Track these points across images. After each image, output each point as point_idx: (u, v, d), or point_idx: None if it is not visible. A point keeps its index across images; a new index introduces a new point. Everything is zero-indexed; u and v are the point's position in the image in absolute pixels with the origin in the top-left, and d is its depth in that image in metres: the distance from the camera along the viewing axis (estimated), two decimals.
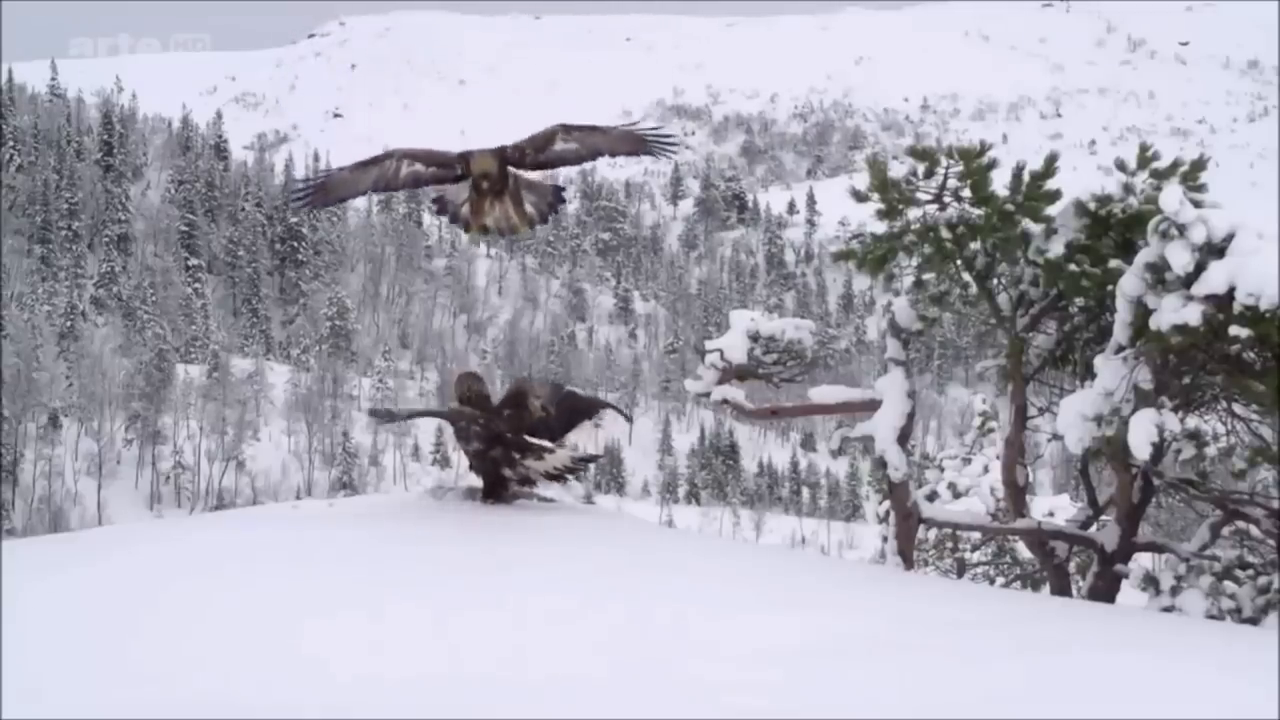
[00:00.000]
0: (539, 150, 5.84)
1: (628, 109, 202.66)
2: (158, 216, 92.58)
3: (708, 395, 9.02)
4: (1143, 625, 5.36)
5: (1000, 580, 13.08)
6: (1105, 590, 7.90)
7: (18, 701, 3.04)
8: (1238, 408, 7.26)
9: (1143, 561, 9.30)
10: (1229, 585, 7.18)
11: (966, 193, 7.95)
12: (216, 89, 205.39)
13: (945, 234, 7.93)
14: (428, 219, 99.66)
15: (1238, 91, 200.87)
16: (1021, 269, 8.04)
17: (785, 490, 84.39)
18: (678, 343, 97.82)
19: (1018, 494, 8.54)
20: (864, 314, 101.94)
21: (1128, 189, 7.56)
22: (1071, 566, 9.07)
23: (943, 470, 15.32)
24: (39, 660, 3.36)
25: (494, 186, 5.77)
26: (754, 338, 8.91)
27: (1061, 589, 8.44)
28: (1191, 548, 7.85)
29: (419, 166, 5.86)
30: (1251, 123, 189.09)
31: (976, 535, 13.31)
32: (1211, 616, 7.01)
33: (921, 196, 8.07)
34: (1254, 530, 7.73)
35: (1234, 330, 6.09)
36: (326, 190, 6.03)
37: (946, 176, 7.94)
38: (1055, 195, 7.88)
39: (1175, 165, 7.74)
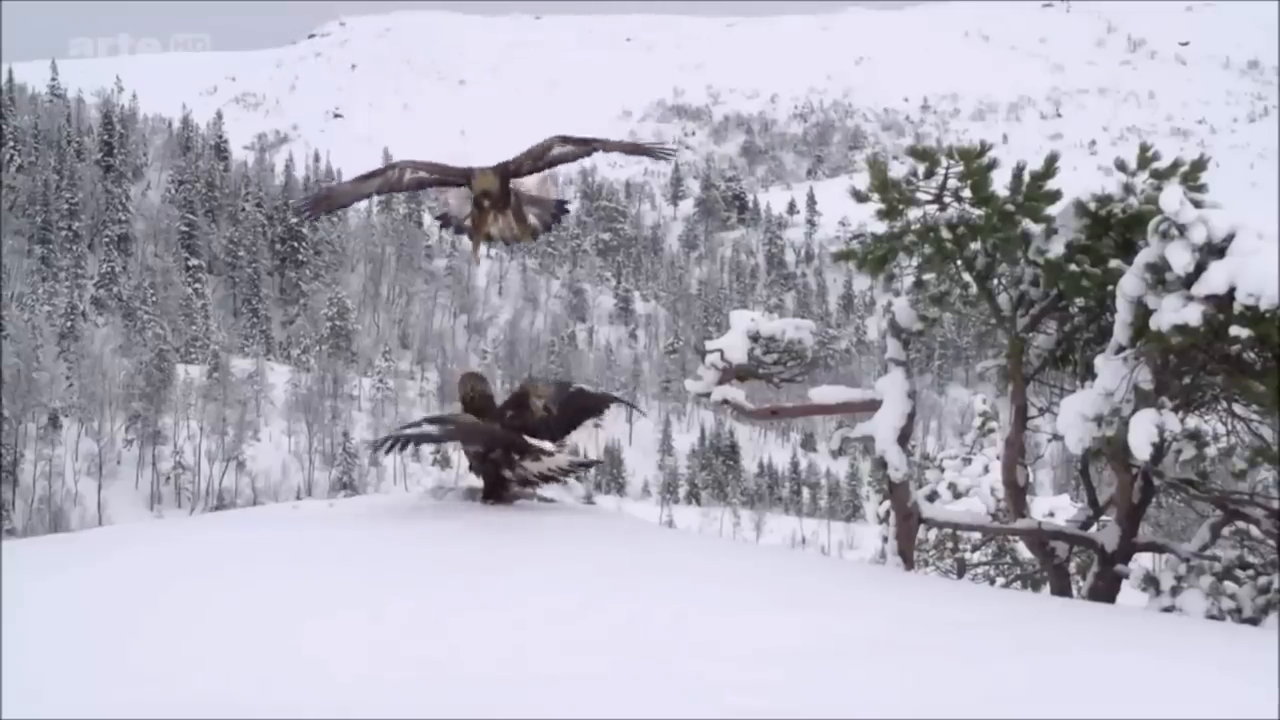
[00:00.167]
0: (537, 161, 5.91)
1: (628, 109, 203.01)
2: (158, 217, 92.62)
3: (708, 395, 9.02)
4: (1143, 625, 5.36)
5: (1000, 580, 13.08)
6: (1105, 590, 7.90)
7: (18, 701, 3.04)
8: (1238, 408, 7.25)
9: (1143, 562, 9.30)
10: (1229, 585, 7.18)
11: (967, 193, 7.95)
12: (216, 89, 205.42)
13: (945, 234, 7.93)
14: (428, 219, 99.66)
15: (1238, 91, 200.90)
16: (1022, 269, 8.03)
17: (785, 490, 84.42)
18: (678, 343, 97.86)
19: (1018, 494, 8.54)
20: (864, 314, 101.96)
21: (1128, 189, 7.56)
22: (1072, 567, 9.07)
23: (943, 470, 15.32)
24: (39, 660, 3.36)
25: (495, 204, 5.81)
26: (754, 338, 8.91)
27: (1062, 589, 8.44)
28: (1192, 548, 7.85)
29: (423, 174, 5.97)
30: (1252, 123, 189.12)
31: (977, 535, 13.31)
32: (1212, 616, 7.01)
33: (922, 197, 8.07)
34: (1254, 530, 7.72)
35: (1234, 330, 6.09)
36: (329, 200, 6.18)
37: (947, 177, 7.94)
38: (1055, 195, 7.87)
39: (1175, 165, 7.74)
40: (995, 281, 8.22)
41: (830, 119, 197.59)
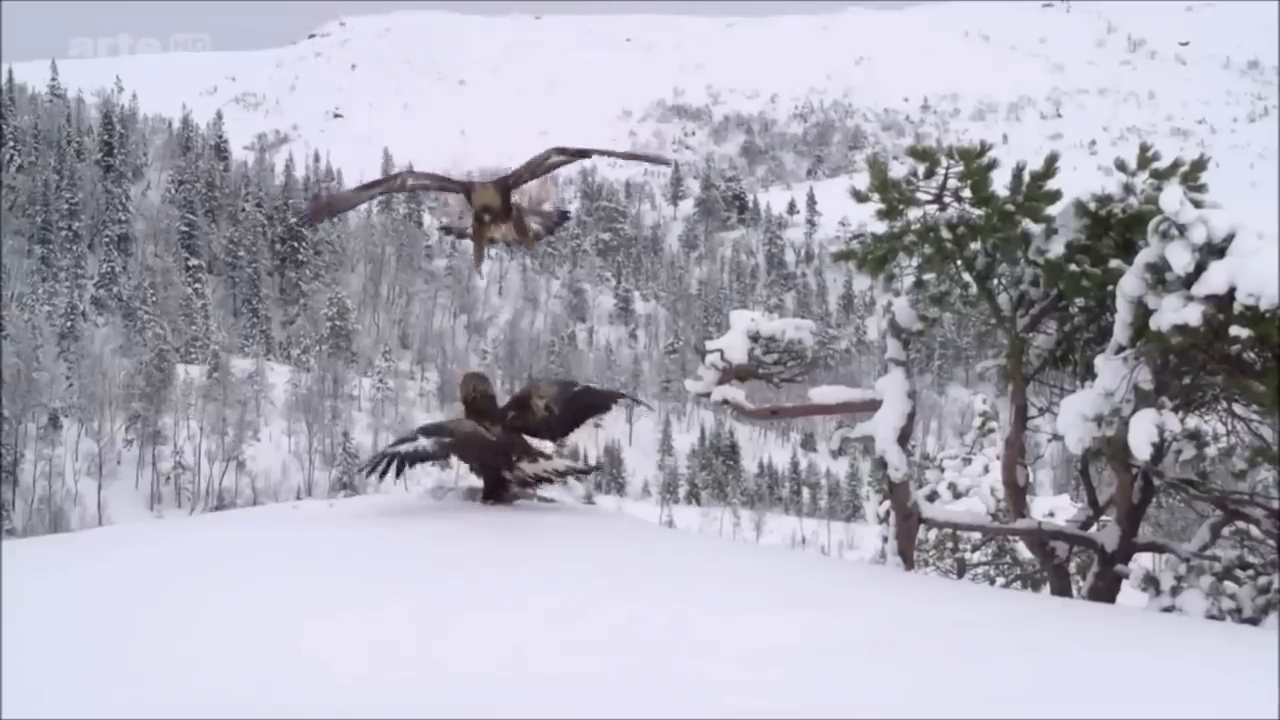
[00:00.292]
0: (534, 172, 5.99)
1: (628, 109, 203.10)
2: (158, 217, 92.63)
3: (708, 395, 9.03)
4: (1143, 625, 5.36)
5: (1000, 580, 13.08)
6: (1105, 590, 7.90)
7: (18, 701, 3.04)
8: (1238, 408, 7.25)
9: (1143, 562, 9.30)
10: (1229, 585, 7.18)
11: (967, 193, 7.95)
12: (217, 89, 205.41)
13: (945, 234, 7.93)
14: (428, 219, 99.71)
15: (1238, 91, 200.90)
16: (1022, 269, 8.03)
17: (785, 490, 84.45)
18: (678, 343, 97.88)
19: (1018, 494, 8.54)
20: (864, 314, 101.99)
21: (1128, 189, 7.56)
22: (1072, 567, 9.07)
23: (943, 470, 15.32)
24: (39, 660, 3.36)
25: (496, 218, 5.88)
26: (754, 338, 8.91)
27: (1062, 589, 8.44)
28: (1192, 548, 7.85)
29: (425, 182, 6.10)
30: (1252, 123, 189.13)
31: (977, 535, 13.31)
32: (1212, 616, 7.01)
33: (922, 197, 8.07)
34: (1254, 530, 7.73)
35: (1234, 330, 6.09)
36: (330, 206, 6.27)
37: (947, 177, 7.94)
38: (1055, 195, 7.87)
39: (1175, 165, 7.74)
40: (995, 281, 8.22)
41: (830, 119, 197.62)
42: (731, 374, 8.96)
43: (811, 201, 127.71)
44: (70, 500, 63.32)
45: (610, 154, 6.37)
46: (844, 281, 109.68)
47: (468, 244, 6.26)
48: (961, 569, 14.10)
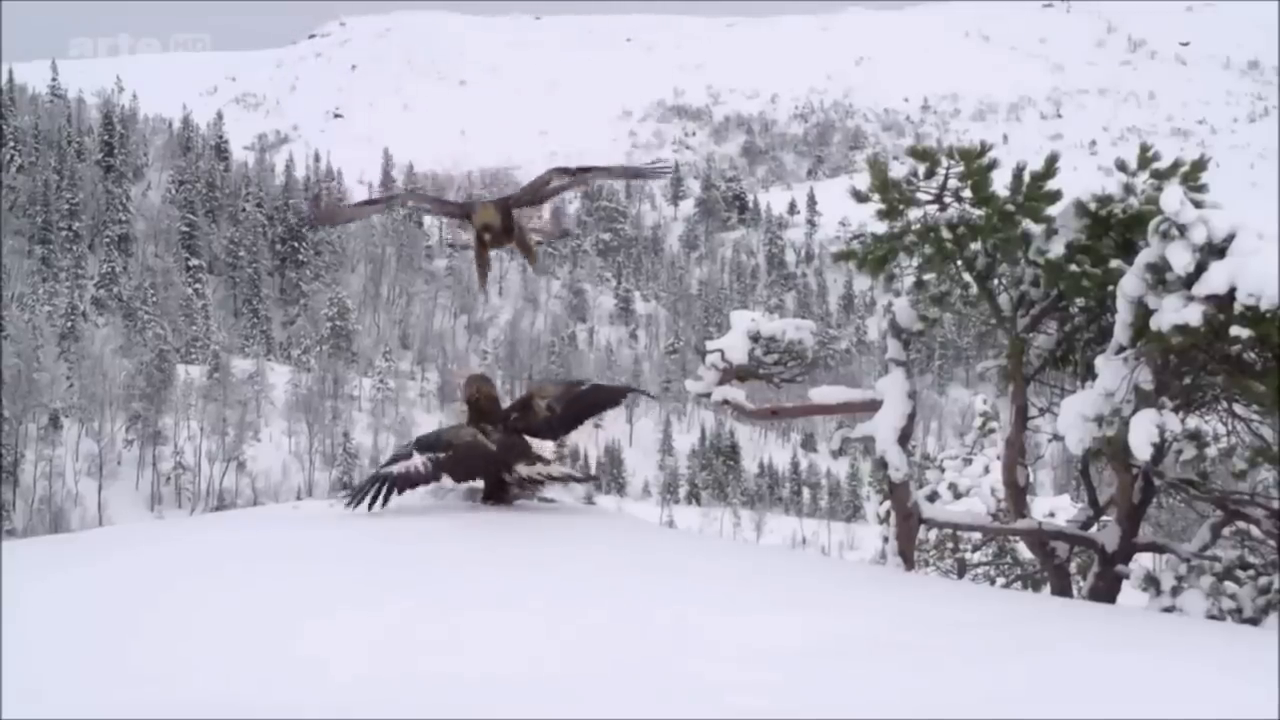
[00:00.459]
0: (535, 194, 5.96)
1: (628, 109, 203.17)
2: (158, 217, 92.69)
3: (708, 396, 9.02)
4: (1143, 625, 5.36)
5: (1001, 581, 13.09)
6: (1106, 590, 7.90)
7: (18, 701, 3.04)
8: (1238, 408, 7.25)
9: (1143, 562, 9.30)
10: (1230, 586, 7.18)
11: (967, 193, 7.94)
12: (217, 89, 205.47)
13: (946, 234, 7.93)
14: (429, 219, 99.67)
15: (1238, 92, 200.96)
16: (1022, 269, 8.03)
17: (786, 491, 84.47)
18: (678, 343, 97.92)
19: (1018, 494, 8.54)
20: (864, 314, 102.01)
21: (1128, 189, 7.56)
22: (1072, 567, 9.07)
23: (943, 471, 15.32)
24: (39, 660, 3.36)
25: (497, 238, 5.86)
26: (754, 338, 8.91)
27: (1062, 589, 8.44)
28: (1192, 548, 7.85)
29: (425, 205, 6.08)
30: (1252, 123, 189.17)
31: (977, 536, 13.31)
32: (1212, 617, 7.01)
33: (922, 197, 8.07)
34: (1255, 531, 7.72)
35: (1234, 330, 6.09)
36: (331, 217, 6.35)
37: (947, 177, 7.94)
38: (1056, 196, 7.87)
39: (1176, 165, 7.73)
40: (995, 282, 8.22)
41: (830, 119, 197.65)
42: (732, 374, 8.96)
43: (812, 202, 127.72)
44: (70, 500, 63.36)
45: (609, 171, 6.25)
46: (844, 282, 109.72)
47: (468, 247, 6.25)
48: (962, 569, 14.10)
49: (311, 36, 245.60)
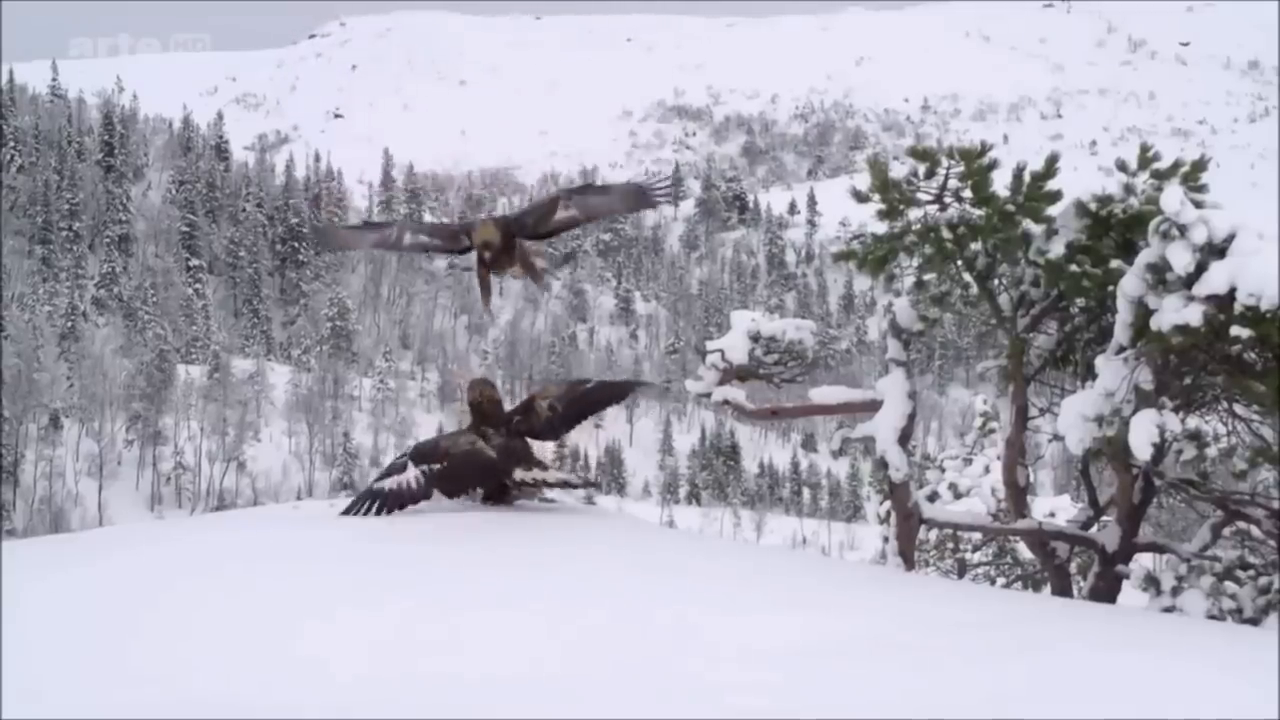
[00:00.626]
0: (540, 219, 5.84)
1: (628, 109, 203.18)
2: (159, 217, 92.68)
3: (709, 396, 9.03)
4: (1143, 625, 5.36)
5: (1001, 581, 13.09)
6: (1106, 591, 7.90)
7: (18, 701, 3.04)
8: (1239, 408, 7.25)
9: (1144, 562, 9.30)
10: (1230, 586, 7.18)
11: (967, 193, 7.94)
12: (217, 89, 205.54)
13: (946, 234, 7.93)
14: (428, 218, 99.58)
15: (1238, 92, 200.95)
16: (1022, 269, 8.03)
17: (786, 491, 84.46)
18: (679, 343, 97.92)
19: (1018, 494, 8.54)
20: (865, 314, 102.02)
21: (1128, 189, 7.56)
22: (1073, 567, 9.08)
23: (944, 471, 15.32)
24: (39, 660, 3.36)
25: (497, 258, 5.77)
26: (755, 338, 8.91)
27: (1062, 589, 8.44)
28: (1192, 548, 7.85)
29: (423, 237, 5.99)
30: (1252, 123, 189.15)
31: (977, 536, 13.30)
32: (1212, 617, 7.01)
33: (922, 197, 8.07)
34: (1255, 531, 7.73)
35: (1235, 331, 6.09)
36: (332, 239, 6.24)
37: (947, 177, 7.94)
38: (1056, 196, 7.87)
39: (1176, 166, 7.73)
40: (996, 282, 8.22)
41: (830, 119, 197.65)
42: (732, 374, 8.96)
43: (812, 202, 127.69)
44: (71, 501, 63.36)
45: (607, 190, 6.13)
46: (844, 282, 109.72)
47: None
48: (962, 569, 14.11)
49: (311, 36, 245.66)
